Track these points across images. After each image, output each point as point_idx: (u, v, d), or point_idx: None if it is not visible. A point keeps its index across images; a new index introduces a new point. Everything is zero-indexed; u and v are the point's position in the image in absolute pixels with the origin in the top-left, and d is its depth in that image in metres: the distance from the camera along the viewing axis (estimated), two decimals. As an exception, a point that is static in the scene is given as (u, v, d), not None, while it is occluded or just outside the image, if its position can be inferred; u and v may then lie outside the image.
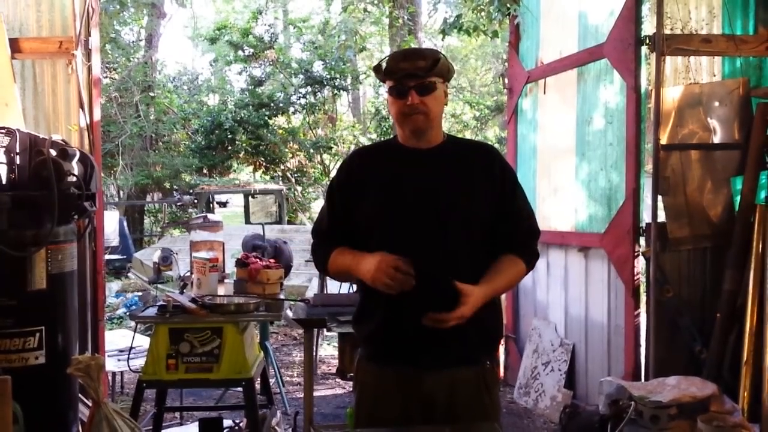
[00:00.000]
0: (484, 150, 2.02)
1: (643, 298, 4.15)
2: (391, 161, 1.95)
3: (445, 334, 1.82)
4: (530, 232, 1.99)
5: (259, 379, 3.41)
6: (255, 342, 3.45)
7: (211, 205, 13.51)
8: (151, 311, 3.11)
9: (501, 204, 1.92)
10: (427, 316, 1.77)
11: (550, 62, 4.75)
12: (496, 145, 12.30)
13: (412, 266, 1.76)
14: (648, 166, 4.10)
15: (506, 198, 1.94)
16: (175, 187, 15.00)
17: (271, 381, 4.31)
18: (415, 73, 1.84)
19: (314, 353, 4.98)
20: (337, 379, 5.00)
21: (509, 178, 1.97)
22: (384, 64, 1.89)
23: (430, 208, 1.87)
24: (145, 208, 15.51)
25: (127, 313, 7.11)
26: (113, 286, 9.05)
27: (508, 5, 5.17)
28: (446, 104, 1.97)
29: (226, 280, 3.57)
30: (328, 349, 6.24)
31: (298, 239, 8.45)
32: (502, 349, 5.03)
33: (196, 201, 12.82)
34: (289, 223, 12.96)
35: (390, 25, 12.72)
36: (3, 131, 2.99)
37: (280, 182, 14.27)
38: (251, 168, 15.57)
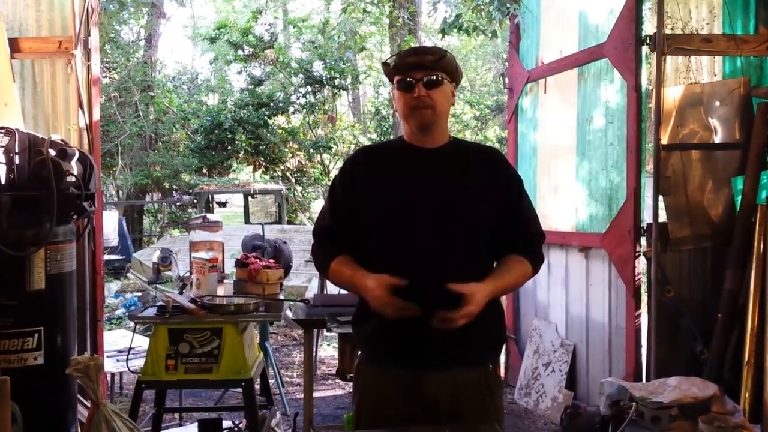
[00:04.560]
0: (489, 153, 2.02)
1: (644, 298, 4.14)
2: (395, 161, 1.94)
3: (446, 334, 1.80)
4: (537, 236, 1.98)
5: (258, 379, 3.40)
6: (254, 342, 3.44)
7: (211, 205, 13.50)
8: (151, 311, 3.10)
9: (506, 207, 1.91)
10: (435, 318, 1.75)
11: (550, 62, 4.75)
12: (497, 145, 12.34)
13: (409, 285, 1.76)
14: (649, 166, 4.10)
15: (512, 202, 1.93)
16: (174, 187, 14.99)
17: (271, 382, 4.30)
18: (422, 66, 1.84)
19: (314, 354, 4.97)
20: (337, 380, 4.99)
21: (515, 182, 1.96)
22: (392, 61, 1.90)
23: (434, 209, 1.85)
24: (145, 208, 15.50)
25: (127, 314, 7.11)
26: (112, 286, 9.05)
27: (508, 5, 5.17)
28: (453, 104, 1.97)
29: (225, 281, 3.56)
30: (328, 350, 6.23)
31: (298, 239, 8.45)
32: (502, 350, 5.03)
33: (195, 201, 12.81)
34: (289, 223, 12.96)
35: (390, 24, 12.70)
36: (2, 131, 2.98)
37: (280, 182, 14.26)
38: (251, 168, 15.57)
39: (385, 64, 1.93)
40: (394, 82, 1.89)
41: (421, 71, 1.83)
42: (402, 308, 1.76)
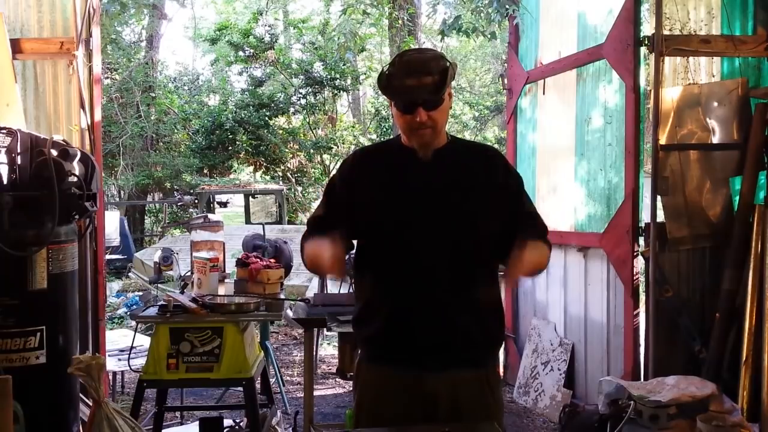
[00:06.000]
0: (487, 152, 2.01)
1: (643, 297, 4.16)
2: (394, 163, 1.93)
3: (448, 336, 1.81)
4: (543, 228, 1.97)
5: (259, 378, 3.42)
6: (255, 341, 3.46)
7: (212, 205, 13.51)
8: (152, 311, 3.12)
9: (508, 206, 1.91)
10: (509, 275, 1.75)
11: (549, 63, 4.76)
12: (496, 146, 12.32)
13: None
14: (647, 166, 4.11)
15: (514, 200, 1.93)
16: (175, 187, 15.00)
17: (272, 380, 4.32)
18: (423, 92, 1.76)
19: (314, 353, 4.99)
20: (337, 379, 5.01)
21: (514, 180, 1.96)
22: (387, 74, 1.81)
23: (434, 211, 1.85)
24: (146, 208, 15.51)
25: (128, 313, 7.12)
26: (114, 285, 9.07)
27: (507, 6, 5.19)
28: (451, 107, 1.94)
29: (226, 280, 3.58)
30: (328, 349, 6.25)
31: (299, 239, 8.41)
32: (501, 349, 5.05)
33: (196, 201, 12.82)
34: (290, 223, 12.96)
35: (389, 26, 12.71)
36: (4, 131, 2.99)
37: (281, 182, 14.27)
38: (252, 168, 15.58)
39: (380, 81, 1.83)
40: (392, 101, 1.84)
41: (422, 95, 1.76)
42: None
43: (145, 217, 15.59)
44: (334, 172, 2.06)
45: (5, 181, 2.94)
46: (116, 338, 4.89)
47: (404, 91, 1.78)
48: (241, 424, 3.62)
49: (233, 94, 15.84)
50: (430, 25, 14.95)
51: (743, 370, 3.45)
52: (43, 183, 2.93)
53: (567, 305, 4.55)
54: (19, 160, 2.97)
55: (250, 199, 13.69)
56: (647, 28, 3.85)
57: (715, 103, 3.80)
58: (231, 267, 3.82)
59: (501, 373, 4.90)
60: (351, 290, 4.12)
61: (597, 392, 3.39)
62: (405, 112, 1.81)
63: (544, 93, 4.83)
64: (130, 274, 9.71)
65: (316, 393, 4.13)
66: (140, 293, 8.03)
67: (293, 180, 14.43)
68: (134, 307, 7.03)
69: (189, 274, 3.62)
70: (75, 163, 3.08)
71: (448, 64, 1.81)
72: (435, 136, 1.86)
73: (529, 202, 2.00)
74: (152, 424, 3.48)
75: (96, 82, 3.92)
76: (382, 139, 13.59)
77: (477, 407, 1.89)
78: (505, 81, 7.06)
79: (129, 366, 3.58)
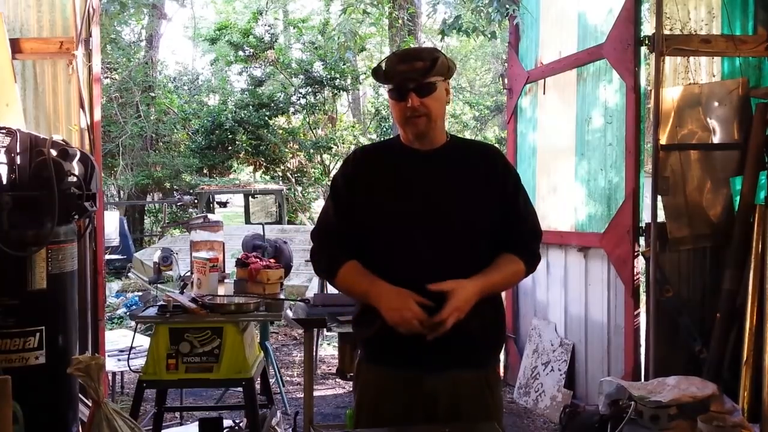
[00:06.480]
0: (487, 151, 2.01)
1: (643, 297, 4.15)
2: (394, 162, 1.93)
3: (448, 337, 1.80)
4: (531, 233, 1.96)
5: (259, 379, 3.41)
6: (255, 342, 3.45)
7: (212, 205, 13.51)
8: (152, 311, 3.11)
9: (503, 205, 1.90)
10: (425, 329, 1.75)
11: (549, 62, 4.76)
12: (496, 145, 12.31)
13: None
14: (647, 166, 4.11)
15: (508, 199, 1.92)
16: (175, 187, 15.00)
17: (271, 381, 4.31)
18: (413, 76, 1.80)
19: (314, 353, 4.98)
20: (337, 379, 5.01)
21: (512, 179, 1.96)
22: (383, 66, 1.86)
23: (433, 211, 1.85)
24: (146, 208, 15.51)
25: (128, 313, 7.11)
26: (113, 286, 9.07)
27: (507, 6, 5.19)
28: (449, 102, 1.95)
29: (226, 280, 3.57)
30: (328, 349, 6.24)
31: (298, 239, 8.45)
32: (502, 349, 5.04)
33: (196, 201, 12.81)
34: (290, 223, 12.96)
35: (390, 25, 12.71)
36: (4, 131, 2.99)
37: (280, 182, 14.26)
38: (251, 168, 15.57)
39: (375, 71, 1.88)
40: (387, 89, 1.88)
41: (413, 80, 1.80)
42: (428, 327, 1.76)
43: (145, 217, 15.58)
44: (335, 171, 2.05)
45: (5, 181, 2.94)
46: (116, 338, 4.89)
47: (396, 76, 1.83)
48: (240, 424, 3.61)
49: (233, 93, 15.83)
50: (430, 25, 14.95)
51: (744, 371, 3.45)
52: (42, 183, 2.92)
53: (567, 305, 4.55)
54: (18, 160, 2.97)
55: (250, 199, 13.69)
56: (647, 28, 3.85)
57: (716, 103, 3.79)
58: (231, 267, 3.81)
59: (501, 374, 4.90)
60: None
61: (597, 392, 3.38)
62: (398, 99, 1.83)
63: (544, 93, 4.83)
64: (129, 274, 9.71)
65: (316, 393, 4.13)
66: (140, 293, 8.03)
67: (293, 180, 14.42)
68: (134, 307, 7.03)
69: (189, 274, 3.62)
70: (74, 163, 3.07)
71: (441, 54, 1.85)
72: (430, 126, 1.86)
73: (525, 202, 1.98)
74: (152, 425, 3.48)
75: (95, 82, 3.91)
76: (382, 139, 13.58)
77: (477, 407, 1.89)
78: (506, 81, 7.06)
79: (129, 366, 3.58)
